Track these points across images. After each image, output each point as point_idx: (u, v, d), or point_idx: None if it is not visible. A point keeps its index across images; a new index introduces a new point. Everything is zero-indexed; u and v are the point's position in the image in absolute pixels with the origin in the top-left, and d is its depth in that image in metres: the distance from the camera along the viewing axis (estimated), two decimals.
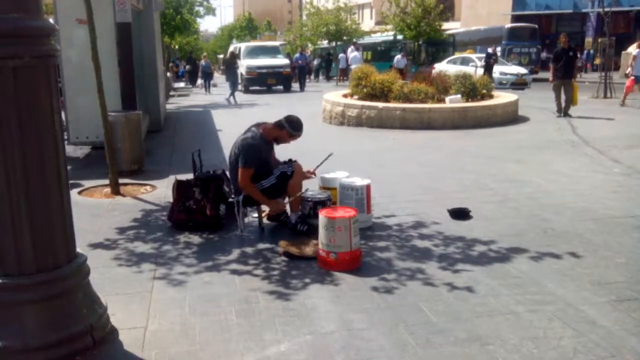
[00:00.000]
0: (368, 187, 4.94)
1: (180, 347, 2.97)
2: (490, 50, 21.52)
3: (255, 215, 5.08)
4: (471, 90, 12.25)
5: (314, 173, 5.15)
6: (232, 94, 18.08)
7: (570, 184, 6.39)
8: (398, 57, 24.44)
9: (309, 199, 4.88)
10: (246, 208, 4.97)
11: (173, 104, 17.34)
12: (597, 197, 5.79)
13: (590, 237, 4.60)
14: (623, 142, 8.99)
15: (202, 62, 24.89)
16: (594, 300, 3.43)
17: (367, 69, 13.36)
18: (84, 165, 8.11)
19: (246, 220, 4.99)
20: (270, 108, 15.62)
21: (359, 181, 4.97)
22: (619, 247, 4.36)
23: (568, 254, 4.21)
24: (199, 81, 25.06)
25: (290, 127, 4.85)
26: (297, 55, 25.40)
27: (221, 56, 29.26)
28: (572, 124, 11.13)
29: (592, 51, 29.87)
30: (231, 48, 27.34)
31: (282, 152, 5.23)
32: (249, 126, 4.98)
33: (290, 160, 5.04)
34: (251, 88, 21.70)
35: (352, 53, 24.46)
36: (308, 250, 4.28)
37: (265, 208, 5.08)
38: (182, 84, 24.22)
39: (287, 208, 4.99)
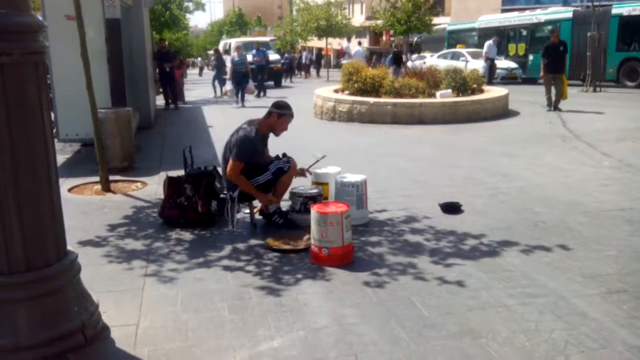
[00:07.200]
0: (365, 182, 4.95)
1: (172, 344, 2.96)
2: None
3: (247, 211, 5.07)
4: (462, 84, 12.30)
5: (308, 171, 5.16)
6: (261, 89, 18.45)
7: (560, 178, 6.43)
8: (489, 43, 19.33)
9: (300, 194, 4.88)
10: (239, 204, 4.96)
11: (164, 100, 17.22)
12: (587, 191, 5.83)
13: (580, 230, 4.63)
14: (613, 136, 9.05)
15: (235, 56, 15.80)
16: (585, 293, 3.45)
17: (357, 64, 13.35)
18: (74, 162, 8.06)
19: (237, 216, 4.97)
20: (261, 103, 15.57)
21: (354, 177, 4.95)
22: (609, 240, 4.39)
23: (559, 247, 4.24)
24: (229, 86, 15.90)
25: (278, 108, 4.88)
26: (254, 51, 18.97)
27: (211, 52, 28.86)
28: (562, 118, 11.19)
29: None
30: (220, 44, 27.22)
31: (274, 147, 5.22)
32: (241, 124, 4.96)
33: (285, 155, 5.04)
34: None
35: (355, 48, 24.26)
36: (300, 244, 4.29)
37: (257, 204, 5.08)
38: None
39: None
